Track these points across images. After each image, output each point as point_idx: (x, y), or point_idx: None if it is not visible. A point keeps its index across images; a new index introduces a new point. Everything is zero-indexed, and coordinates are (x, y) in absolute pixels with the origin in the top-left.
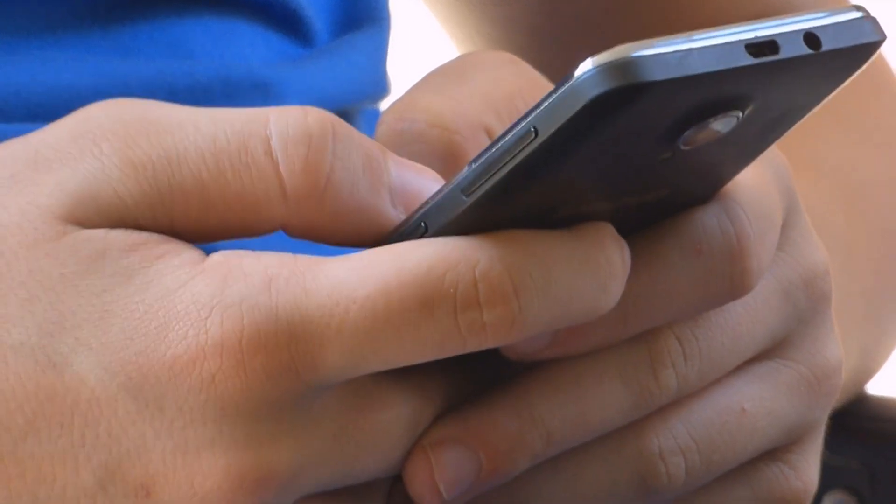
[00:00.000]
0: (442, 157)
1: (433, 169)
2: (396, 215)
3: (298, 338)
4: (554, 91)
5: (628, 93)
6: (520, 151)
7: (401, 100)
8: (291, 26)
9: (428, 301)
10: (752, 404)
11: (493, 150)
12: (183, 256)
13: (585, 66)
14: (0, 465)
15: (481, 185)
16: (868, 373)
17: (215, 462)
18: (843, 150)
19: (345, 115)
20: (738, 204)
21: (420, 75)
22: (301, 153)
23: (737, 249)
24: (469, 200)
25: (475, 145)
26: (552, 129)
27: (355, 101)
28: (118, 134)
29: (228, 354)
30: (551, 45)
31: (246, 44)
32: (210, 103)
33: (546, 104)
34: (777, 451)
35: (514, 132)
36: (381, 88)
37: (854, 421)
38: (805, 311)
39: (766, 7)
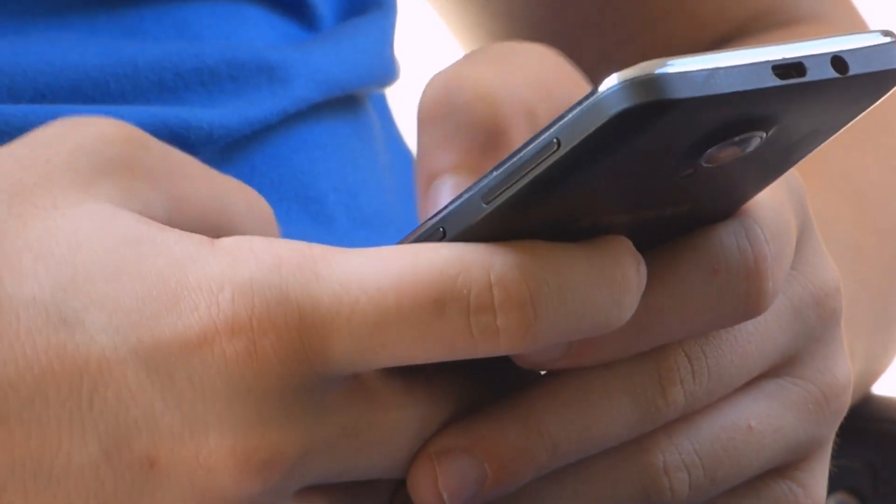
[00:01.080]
0: (484, 130)
1: (474, 141)
2: None
3: (308, 322)
4: (578, 104)
5: (653, 109)
6: (541, 162)
7: (447, 70)
8: (296, 10)
9: (440, 300)
10: (759, 421)
11: (515, 159)
12: (191, 234)
13: (611, 81)
14: (5, 429)
15: (501, 193)
16: (874, 376)
17: (223, 439)
18: (851, 154)
19: (353, 98)
20: (757, 223)
21: (424, 63)
22: None
23: (754, 270)
24: (488, 208)
25: (517, 124)
26: (575, 142)
27: (362, 85)
28: (116, 122)
29: (240, 332)
30: (552, 40)
31: (251, 26)
32: (216, 85)
33: (570, 116)
34: (786, 469)
35: (536, 143)
36: (389, 72)
37: (857, 421)
38: (815, 329)
39: (744, 10)
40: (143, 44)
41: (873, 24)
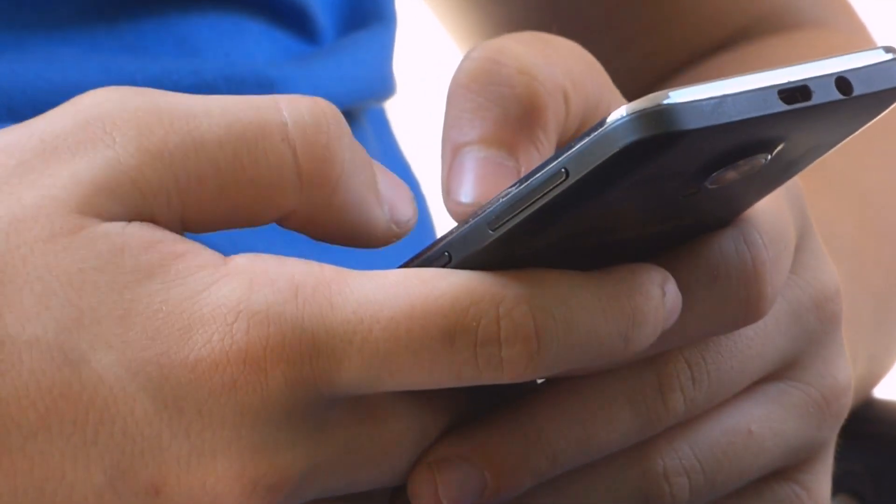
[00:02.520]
0: (523, 104)
1: (511, 114)
2: (385, 216)
3: (321, 351)
4: (586, 134)
5: (662, 141)
6: (549, 191)
7: (488, 43)
8: (297, 23)
9: (450, 331)
10: (759, 426)
11: (522, 186)
12: (204, 256)
13: (619, 113)
14: (8, 460)
15: (508, 220)
16: (876, 379)
17: (230, 466)
18: (851, 156)
19: (349, 114)
20: (755, 229)
21: (423, 76)
22: (320, 140)
23: (753, 275)
24: (494, 235)
25: (554, 104)
26: (583, 173)
27: (360, 100)
28: (130, 122)
29: (252, 361)
30: None
31: (251, 41)
32: None
33: (577, 147)
34: (789, 472)
35: (544, 171)
36: (387, 88)
37: (858, 425)
38: (815, 332)
39: (746, 14)
40: (143, 60)
41: (873, 25)
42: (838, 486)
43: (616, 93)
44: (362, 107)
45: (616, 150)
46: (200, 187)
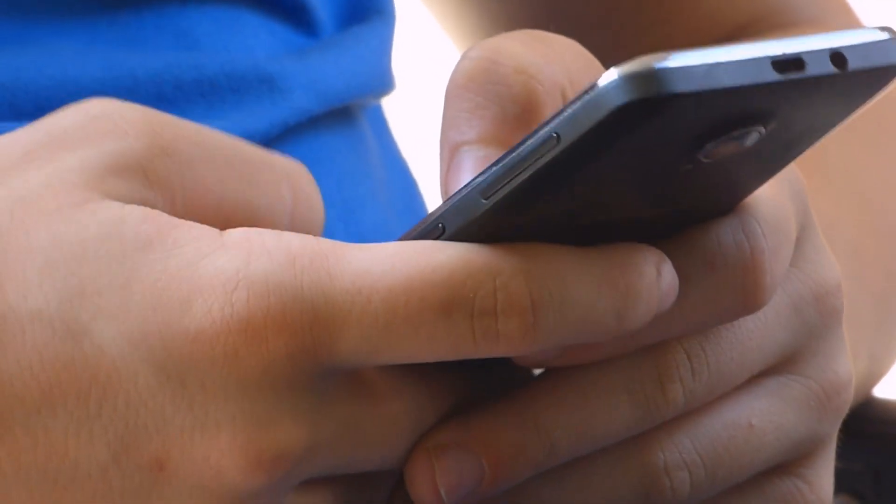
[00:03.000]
0: (521, 103)
1: (507, 113)
2: None
3: (320, 320)
4: (577, 98)
5: (652, 104)
6: (540, 157)
7: (485, 43)
8: (296, 16)
9: (447, 303)
10: (760, 419)
11: (514, 154)
12: (200, 229)
13: (610, 76)
14: (10, 437)
15: (500, 189)
16: (877, 377)
17: (234, 438)
18: (852, 153)
19: (348, 110)
20: (754, 218)
21: (421, 73)
22: (312, 192)
23: (751, 264)
24: (487, 204)
25: (552, 102)
26: (574, 137)
27: (359, 96)
28: (140, 120)
29: (253, 331)
30: None
31: (251, 34)
32: (216, 96)
33: (569, 111)
34: (791, 466)
35: (535, 137)
36: (386, 83)
37: (858, 424)
38: (816, 326)
39: (743, 13)
40: (143, 55)
41: (871, 24)
42: (839, 486)
43: None
44: (361, 103)
45: (606, 111)
46: (203, 195)
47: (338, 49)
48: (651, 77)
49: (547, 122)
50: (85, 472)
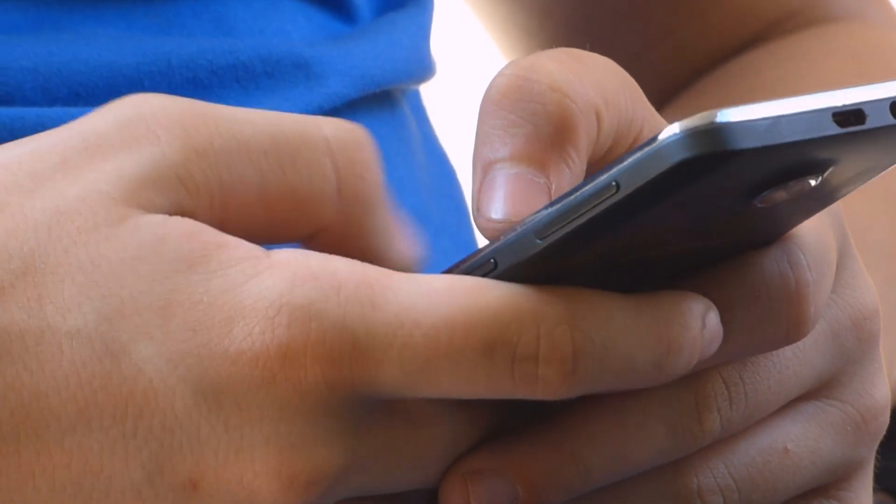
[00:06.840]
0: (555, 122)
1: (543, 132)
2: (403, 249)
3: (360, 351)
4: (639, 148)
5: (714, 159)
6: (599, 203)
7: (521, 60)
8: (333, 2)
9: (490, 344)
10: (796, 444)
11: (571, 197)
12: (246, 248)
13: (672, 130)
14: (45, 454)
15: (556, 230)
16: None
17: (268, 461)
18: None
19: (389, 94)
20: (799, 249)
21: (457, 61)
22: (361, 159)
23: (795, 296)
24: (542, 244)
25: (587, 123)
26: (634, 187)
27: (398, 82)
28: (174, 121)
29: (291, 357)
30: (585, 36)
31: (287, 19)
32: (251, 82)
33: (630, 161)
34: (828, 489)
35: (594, 183)
36: (425, 69)
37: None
38: (853, 351)
39: (778, 7)
40: (178, 40)
41: None
42: (876, 484)
43: (650, 109)
44: (400, 88)
45: (667, 166)
46: (243, 191)
47: (374, 35)
48: (713, 133)
49: (607, 169)
50: (119, 490)
